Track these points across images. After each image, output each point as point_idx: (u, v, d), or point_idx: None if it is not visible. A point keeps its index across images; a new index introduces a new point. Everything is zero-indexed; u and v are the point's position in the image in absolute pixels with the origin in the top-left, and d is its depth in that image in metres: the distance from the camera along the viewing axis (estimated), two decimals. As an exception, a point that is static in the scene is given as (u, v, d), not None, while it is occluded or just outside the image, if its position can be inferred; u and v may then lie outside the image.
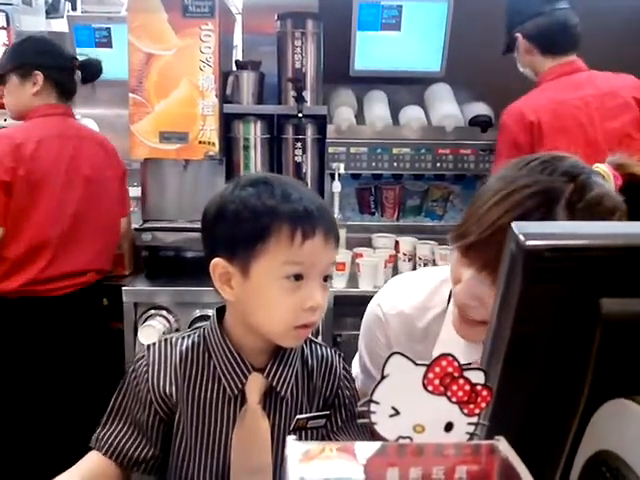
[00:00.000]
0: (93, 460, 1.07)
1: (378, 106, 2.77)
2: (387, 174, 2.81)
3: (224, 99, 2.42)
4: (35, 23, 2.96)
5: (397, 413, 0.53)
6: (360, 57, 2.76)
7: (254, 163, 2.47)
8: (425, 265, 2.49)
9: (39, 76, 2.22)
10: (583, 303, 0.54)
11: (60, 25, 3.07)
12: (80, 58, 2.43)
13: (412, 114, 2.74)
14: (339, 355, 1.19)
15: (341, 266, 2.42)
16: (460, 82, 2.80)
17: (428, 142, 2.69)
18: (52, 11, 3.12)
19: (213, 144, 2.36)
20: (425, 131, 2.71)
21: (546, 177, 0.91)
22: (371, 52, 2.77)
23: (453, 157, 2.69)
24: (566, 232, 0.57)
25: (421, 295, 1.19)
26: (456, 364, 0.53)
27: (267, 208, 1.00)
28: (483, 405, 0.54)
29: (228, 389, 1.07)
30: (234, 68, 2.60)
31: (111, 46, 2.86)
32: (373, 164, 2.69)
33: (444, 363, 0.53)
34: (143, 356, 1.10)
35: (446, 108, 2.72)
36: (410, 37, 2.77)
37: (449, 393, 0.54)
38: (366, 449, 0.52)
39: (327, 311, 2.30)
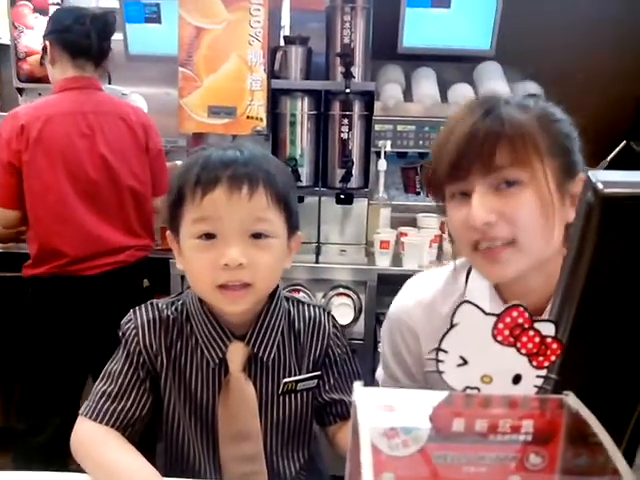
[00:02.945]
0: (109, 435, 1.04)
1: (426, 83, 2.74)
2: (434, 153, 2.78)
3: (272, 74, 2.41)
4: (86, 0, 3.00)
5: (465, 363, 0.53)
6: (409, 34, 2.73)
7: (300, 139, 2.45)
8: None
9: (47, 43, 2.17)
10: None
11: (110, 1, 3.10)
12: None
13: (461, 92, 2.70)
14: (328, 314, 1.17)
15: (385, 245, 2.41)
16: (510, 61, 2.75)
17: (477, 121, 2.65)
18: (102, -12, 3.16)
19: (261, 119, 2.36)
20: (474, 110, 2.67)
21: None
22: (420, 29, 2.74)
23: (502, 137, 2.64)
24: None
25: (439, 282, 1.16)
26: (527, 315, 0.52)
27: (186, 174, 1.01)
28: (553, 358, 0.53)
29: (210, 359, 1.07)
30: (282, 44, 2.58)
31: (160, 22, 2.88)
32: (420, 142, 2.66)
33: (515, 314, 0.52)
34: (130, 319, 1.10)
35: (496, 87, 2.67)
36: (460, 15, 2.73)
37: (519, 344, 0.53)
38: (433, 398, 0.52)
39: (370, 289, 2.37)
